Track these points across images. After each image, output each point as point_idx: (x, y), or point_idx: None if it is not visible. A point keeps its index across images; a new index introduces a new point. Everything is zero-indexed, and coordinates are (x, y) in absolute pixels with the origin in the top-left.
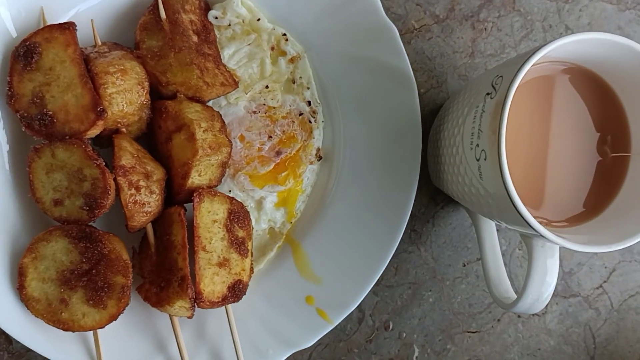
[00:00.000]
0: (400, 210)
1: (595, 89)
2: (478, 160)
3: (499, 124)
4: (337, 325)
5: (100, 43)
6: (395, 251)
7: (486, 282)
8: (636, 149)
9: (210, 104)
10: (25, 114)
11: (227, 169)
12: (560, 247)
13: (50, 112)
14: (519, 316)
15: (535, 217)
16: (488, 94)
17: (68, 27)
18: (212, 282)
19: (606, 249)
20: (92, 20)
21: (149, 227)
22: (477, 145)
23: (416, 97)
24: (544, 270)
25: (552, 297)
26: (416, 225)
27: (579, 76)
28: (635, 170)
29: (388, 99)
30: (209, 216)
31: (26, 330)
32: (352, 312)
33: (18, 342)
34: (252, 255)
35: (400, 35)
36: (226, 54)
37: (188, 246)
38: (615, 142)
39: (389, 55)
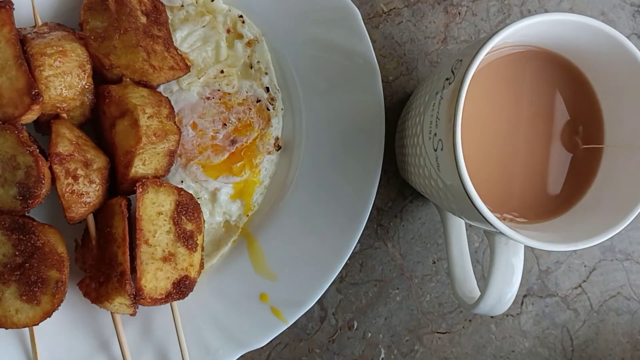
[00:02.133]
0: (362, 204)
1: (566, 75)
2: (436, 150)
3: (454, 111)
4: (297, 324)
5: (40, 23)
6: (360, 247)
7: (450, 281)
8: (610, 141)
9: (161, 89)
10: None
11: (179, 159)
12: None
13: None
14: (491, 317)
15: (500, 213)
16: (447, 79)
17: (4, 6)
18: (155, 278)
19: (572, 247)
20: None
21: (90, 219)
22: (435, 134)
23: (379, 84)
24: (507, 269)
25: (527, 296)
26: (383, 219)
27: (548, 61)
28: (608, 163)
29: (351, 86)
30: (154, 208)
31: None
32: (314, 310)
33: None
34: (203, 250)
35: (368, 19)
36: (179, 36)
37: (129, 239)
38: (587, 132)
39: (351, 40)
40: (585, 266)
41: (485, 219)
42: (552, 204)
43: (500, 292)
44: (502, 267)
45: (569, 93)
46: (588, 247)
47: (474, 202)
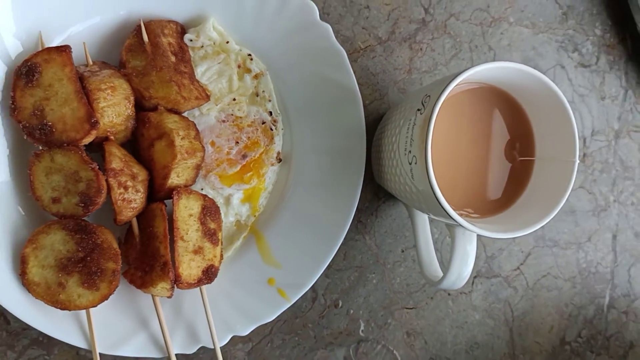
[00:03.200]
0: (348, 204)
1: (507, 104)
2: (410, 164)
3: (426, 135)
4: (294, 304)
5: (91, 63)
6: (344, 239)
7: (419, 264)
8: (539, 154)
9: (185, 114)
10: (27, 124)
11: (200, 170)
12: (480, 235)
13: (50, 123)
14: (449, 294)
15: (458, 211)
16: (419, 109)
17: (65, 50)
18: (189, 267)
19: (511, 235)
20: (84, 43)
21: (134, 221)
22: (410, 151)
23: (361, 110)
24: (464, 253)
25: (476, 277)
26: (362, 217)
27: (493, 94)
28: (538, 171)
29: (338, 111)
30: (186, 211)
31: (28, 310)
32: (307, 292)
33: (16, 322)
34: (222, 244)
35: (349, 54)
36: (199, 71)
37: (169, 236)
38: (523, 148)
39: (338, 74)
40: (522, 252)
41: (449, 215)
42: (497, 203)
43: (459, 271)
44: (461, 251)
45: (509, 118)
46: (523, 236)
47: (441, 203)
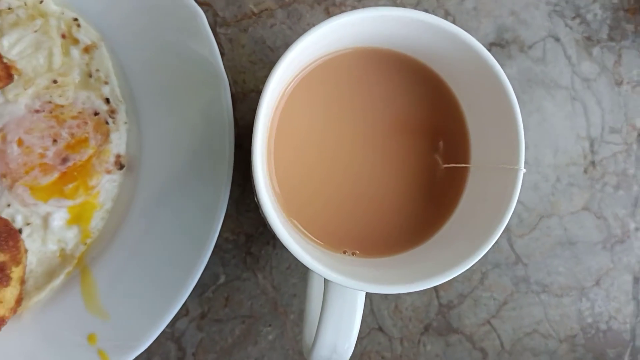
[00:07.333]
0: (205, 236)
1: (421, 81)
2: None
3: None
4: None
5: None
6: (226, 279)
7: (303, 324)
8: (476, 160)
9: None
10: None
11: (3, 179)
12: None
13: None
14: (382, 357)
15: (340, 248)
16: None
17: None
18: None
19: (410, 288)
20: None
21: None
22: None
23: (226, 94)
24: (339, 317)
25: (424, 334)
26: (253, 247)
27: (403, 63)
28: (474, 186)
29: (201, 97)
30: None
31: None
32: (170, 351)
33: None
34: (23, 284)
35: (235, 21)
36: (6, 42)
37: None
38: (449, 149)
39: (197, 46)
40: (494, 299)
41: (284, 243)
42: (400, 236)
43: (332, 342)
44: (333, 312)
45: (427, 102)
46: (495, 278)
47: (277, 232)
